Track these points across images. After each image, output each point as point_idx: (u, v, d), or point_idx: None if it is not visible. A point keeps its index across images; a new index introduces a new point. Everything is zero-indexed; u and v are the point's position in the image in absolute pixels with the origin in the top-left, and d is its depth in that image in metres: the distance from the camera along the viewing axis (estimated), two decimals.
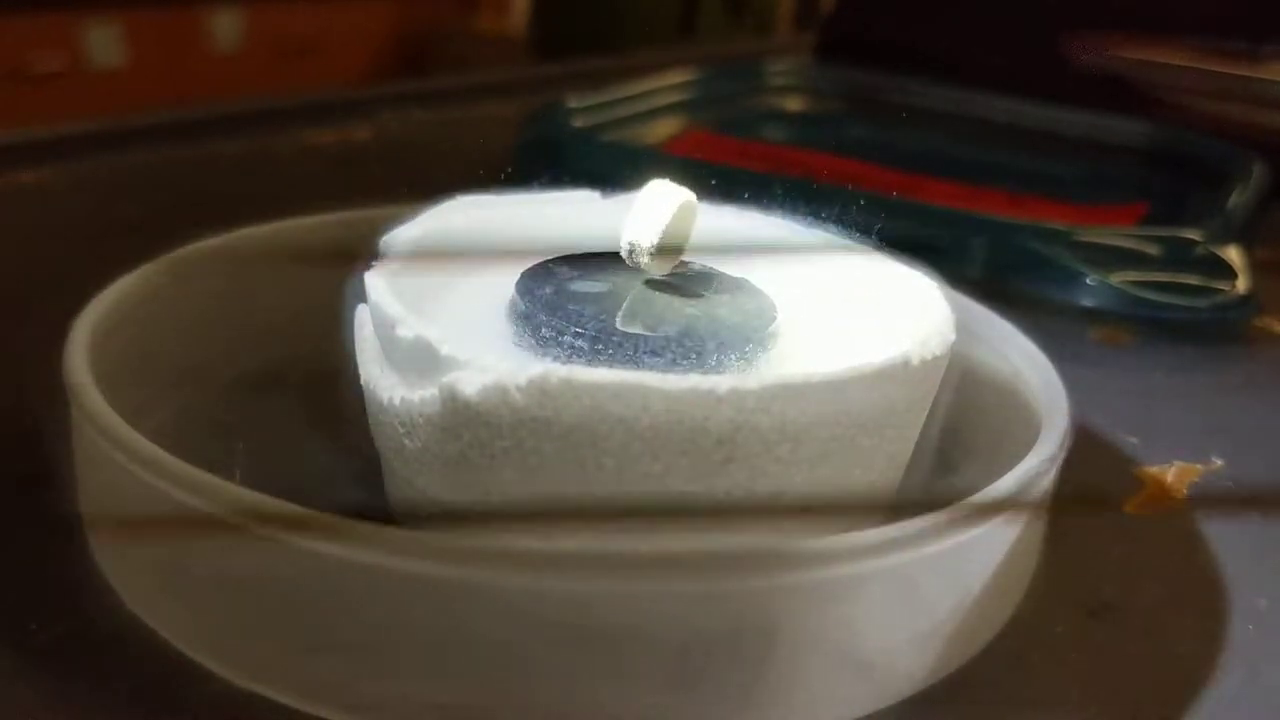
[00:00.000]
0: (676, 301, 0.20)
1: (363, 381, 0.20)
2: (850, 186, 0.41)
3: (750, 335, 0.19)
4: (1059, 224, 0.36)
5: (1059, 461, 0.19)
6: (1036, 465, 0.19)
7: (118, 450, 0.17)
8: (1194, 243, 0.35)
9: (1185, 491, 0.25)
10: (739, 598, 0.16)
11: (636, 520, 0.17)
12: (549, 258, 0.21)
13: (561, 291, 0.20)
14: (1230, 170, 0.43)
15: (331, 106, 0.52)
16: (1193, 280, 0.34)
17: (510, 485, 0.17)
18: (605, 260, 0.21)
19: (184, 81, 1.46)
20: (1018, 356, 0.23)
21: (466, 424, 0.17)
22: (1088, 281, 0.34)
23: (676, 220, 0.20)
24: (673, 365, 0.19)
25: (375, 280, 0.20)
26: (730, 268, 0.22)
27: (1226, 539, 0.23)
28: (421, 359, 0.18)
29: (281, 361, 0.24)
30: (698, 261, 0.22)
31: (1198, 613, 0.21)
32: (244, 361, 0.25)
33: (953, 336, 0.20)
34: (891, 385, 0.18)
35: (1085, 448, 0.21)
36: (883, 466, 0.19)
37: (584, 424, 0.16)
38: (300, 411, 0.23)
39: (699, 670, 0.16)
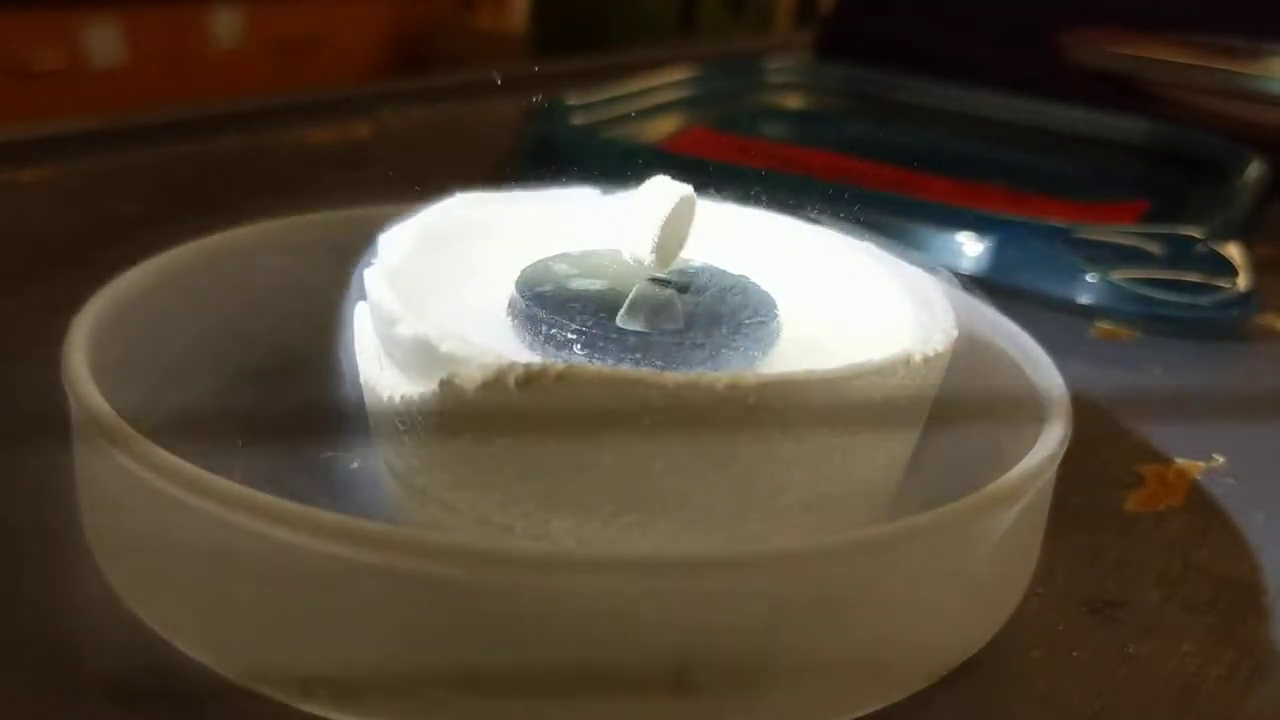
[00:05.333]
0: (677, 298, 0.20)
1: (362, 379, 0.20)
2: (850, 183, 0.41)
3: (750, 332, 0.19)
4: (1059, 221, 0.36)
5: (1059, 459, 0.19)
6: (1037, 462, 0.19)
7: (117, 448, 0.17)
8: (1194, 240, 0.35)
9: (1186, 488, 0.25)
10: (739, 598, 0.16)
11: (637, 518, 0.17)
12: (549, 255, 0.21)
13: (561, 289, 0.20)
14: (1231, 167, 0.43)
15: (331, 104, 0.52)
16: (1193, 277, 0.34)
17: (510, 482, 0.17)
18: (605, 257, 0.21)
19: (184, 79, 1.46)
20: (1018, 354, 0.23)
21: (466, 421, 0.17)
22: (1088, 279, 0.34)
23: (676, 217, 0.20)
24: (673, 362, 0.19)
25: (374, 278, 0.20)
26: (730, 265, 0.22)
27: (1228, 536, 0.23)
28: (421, 356, 0.18)
29: (281, 359, 0.24)
30: (698, 259, 0.22)
31: (1200, 610, 0.21)
32: (243, 359, 0.25)
33: (954, 334, 0.20)
34: (892, 382, 0.18)
35: (1086, 445, 0.21)
36: (884, 464, 0.19)
37: (584, 421, 0.16)
38: (300, 409, 0.23)
39: (699, 670, 0.16)
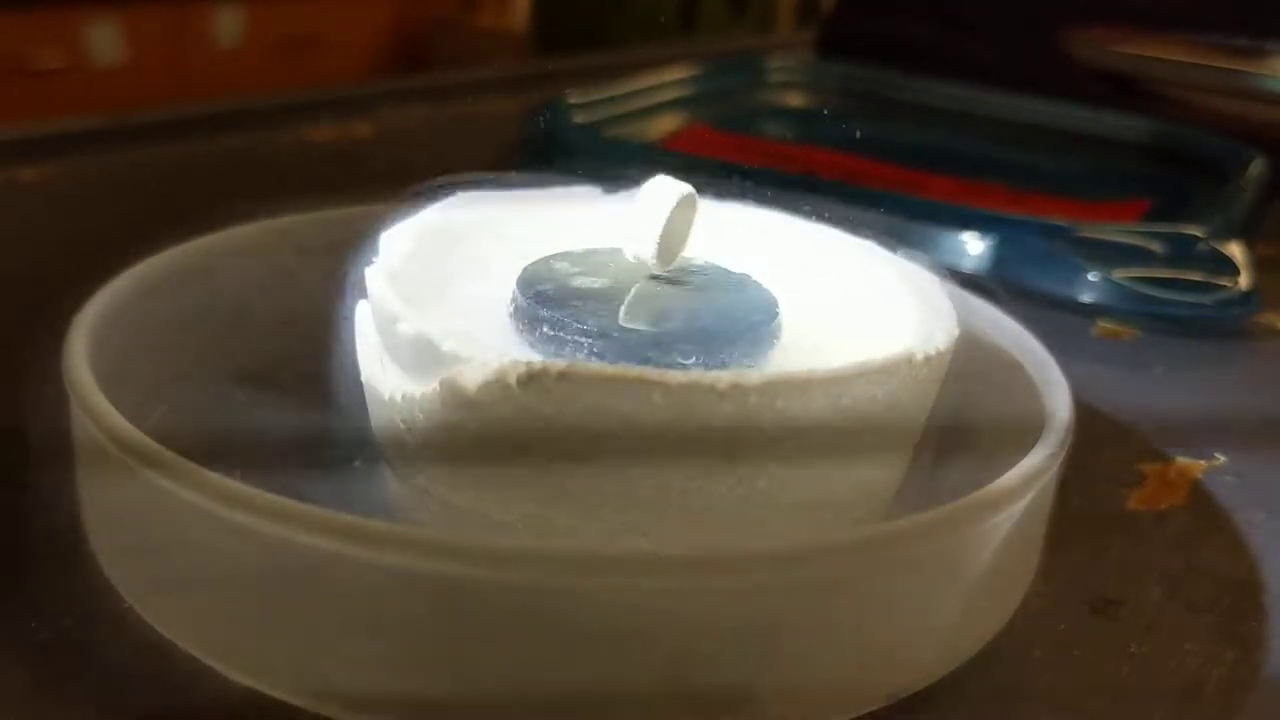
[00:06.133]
0: (678, 297, 0.20)
1: (363, 378, 0.20)
2: (851, 182, 0.41)
3: (752, 331, 0.19)
4: (1061, 220, 0.36)
5: (1061, 458, 0.19)
6: (1039, 461, 0.19)
7: (118, 447, 0.17)
8: (1196, 239, 0.35)
9: (1188, 487, 0.25)
10: (739, 597, 0.16)
11: (637, 517, 0.17)
12: (550, 254, 0.21)
13: (563, 287, 0.20)
14: (1232, 166, 0.43)
15: (332, 102, 0.52)
16: (1195, 276, 0.34)
17: (511, 481, 0.17)
18: (607, 256, 0.21)
19: (185, 78, 1.46)
20: (1020, 353, 0.23)
21: (467, 420, 0.17)
22: (1090, 277, 0.34)
23: (678, 216, 0.20)
24: (675, 361, 0.18)
25: (375, 276, 0.20)
26: (731, 263, 0.22)
27: (1229, 535, 0.23)
28: (422, 355, 0.18)
29: (282, 358, 0.24)
30: (699, 257, 0.22)
31: (1201, 609, 0.21)
32: (244, 358, 0.25)
33: (956, 332, 0.20)
34: (894, 381, 0.18)
35: (1088, 444, 0.21)
36: (885, 462, 0.19)
37: (585, 420, 0.16)
38: (301, 408, 0.23)
39: (699, 670, 0.16)
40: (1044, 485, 0.19)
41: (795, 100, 0.56)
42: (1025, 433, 0.20)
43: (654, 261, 0.20)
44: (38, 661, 0.17)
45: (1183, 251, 0.35)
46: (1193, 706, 0.19)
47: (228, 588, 0.17)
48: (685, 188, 0.21)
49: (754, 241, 0.23)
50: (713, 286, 0.21)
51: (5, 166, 0.39)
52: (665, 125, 0.48)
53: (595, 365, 0.16)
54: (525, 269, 0.21)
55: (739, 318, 0.20)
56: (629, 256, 0.21)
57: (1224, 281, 0.34)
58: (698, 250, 0.22)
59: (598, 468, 0.17)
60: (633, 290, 0.20)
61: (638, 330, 0.19)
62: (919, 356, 0.18)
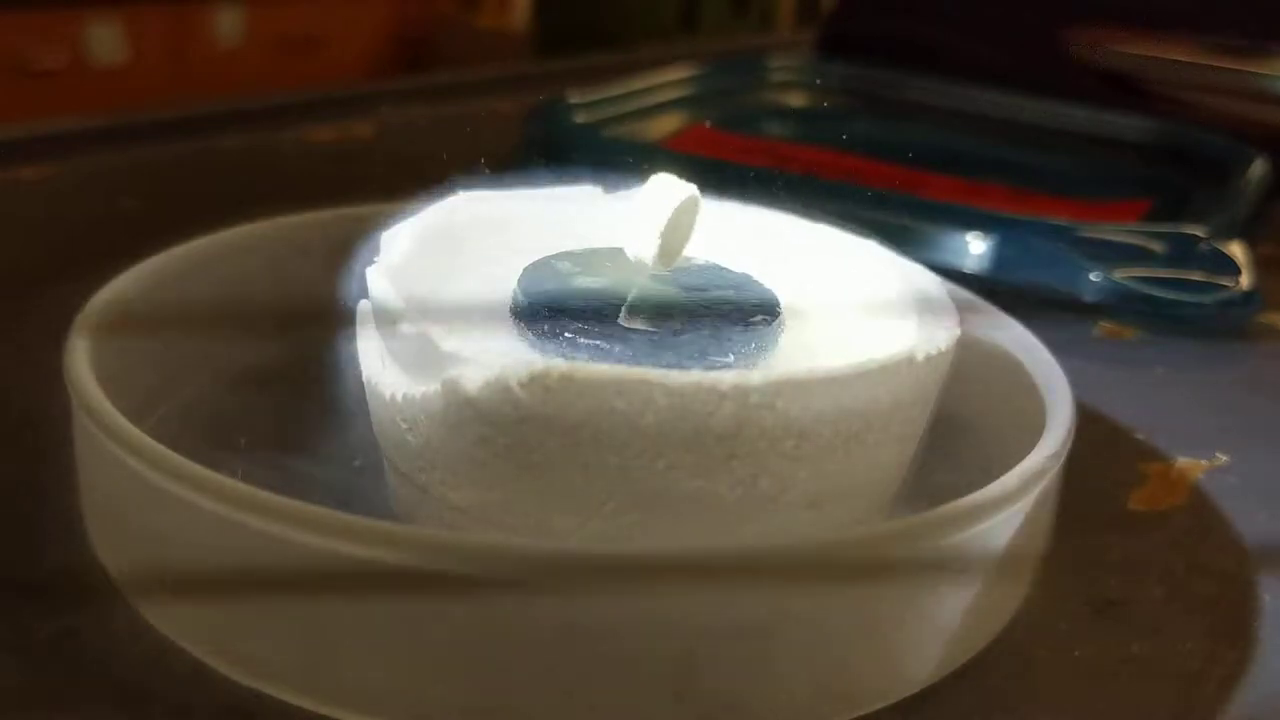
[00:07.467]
0: (679, 297, 0.20)
1: (364, 378, 0.20)
2: (852, 182, 0.41)
3: (753, 331, 0.19)
4: (1062, 219, 0.36)
5: (1062, 457, 0.19)
6: (1040, 461, 0.19)
7: (119, 446, 0.17)
8: (1197, 238, 0.35)
9: (1189, 487, 0.25)
10: (740, 597, 0.16)
11: (639, 517, 0.17)
12: (551, 254, 0.21)
13: (564, 287, 0.20)
14: (1233, 166, 0.43)
15: (332, 102, 0.52)
16: (1196, 276, 0.34)
17: (513, 481, 0.17)
18: (608, 256, 0.21)
19: (185, 78, 1.46)
20: (1022, 352, 0.23)
21: (469, 420, 0.17)
22: (1091, 277, 0.34)
23: (679, 216, 0.20)
24: (676, 361, 0.18)
25: (377, 276, 0.20)
26: (733, 263, 0.22)
27: (1231, 535, 0.23)
28: (424, 355, 0.18)
29: (283, 357, 0.24)
30: (700, 257, 0.22)
31: (1203, 609, 0.21)
32: (245, 357, 0.25)
33: (957, 332, 0.20)
34: (895, 381, 0.18)
35: (1089, 443, 0.21)
36: (887, 462, 0.19)
37: (587, 420, 0.16)
38: (302, 408, 0.23)
39: (699, 669, 0.16)
40: (1045, 484, 0.19)
41: (795, 100, 0.56)
42: (1026, 433, 0.20)
43: (655, 261, 0.20)
44: (38, 661, 0.17)
45: (1183, 251, 0.35)
46: (1193, 705, 0.19)
47: (228, 587, 0.17)
48: (687, 187, 0.21)
49: (754, 241, 0.23)
50: (713, 286, 0.21)
51: (5, 166, 0.39)
52: (666, 125, 0.48)
53: (597, 366, 0.16)
54: (526, 269, 0.21)
55: (740, 318, 0.20)
56: (630, 256, 0.21)
57: (1225, 281, 0.34)
58: (698, 250, 0.22)
59: (598, 468, 0.17)
60: (634, 290, 0.20)
61: (639, 330, 0.19)
62: (920, 356, 0.18)
